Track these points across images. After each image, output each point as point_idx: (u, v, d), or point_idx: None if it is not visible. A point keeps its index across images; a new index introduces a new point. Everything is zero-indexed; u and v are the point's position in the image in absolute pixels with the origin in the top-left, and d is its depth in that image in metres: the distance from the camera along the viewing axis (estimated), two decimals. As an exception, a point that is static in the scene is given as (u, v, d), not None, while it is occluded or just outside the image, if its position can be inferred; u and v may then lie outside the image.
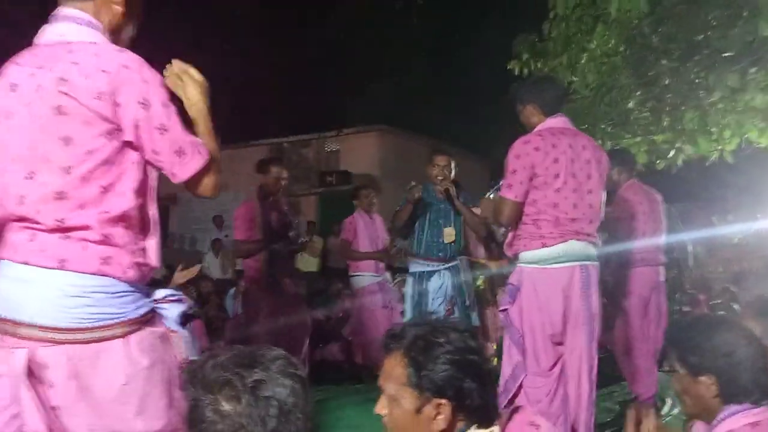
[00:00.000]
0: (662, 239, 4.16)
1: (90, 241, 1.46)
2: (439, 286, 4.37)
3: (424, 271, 4.44)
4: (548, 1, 5.51)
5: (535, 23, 5.91)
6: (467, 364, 1.39)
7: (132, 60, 1.48)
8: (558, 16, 5.49)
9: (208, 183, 1.58)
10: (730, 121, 5.05)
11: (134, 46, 1.64)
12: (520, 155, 2.86)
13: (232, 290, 7.36)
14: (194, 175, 1.55)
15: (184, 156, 1.52)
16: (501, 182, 3.17)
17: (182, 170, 1.53)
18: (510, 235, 3.03)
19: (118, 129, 1.47)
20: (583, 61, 5.56)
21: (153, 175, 1.59)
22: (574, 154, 2.86)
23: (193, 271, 4.41)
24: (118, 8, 1.58)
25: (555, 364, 2.83)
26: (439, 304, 4.32)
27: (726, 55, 4.64)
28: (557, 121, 2.95)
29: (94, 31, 1.53)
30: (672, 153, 5.64)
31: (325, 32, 15.82)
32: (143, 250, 1.57)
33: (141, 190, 1.54)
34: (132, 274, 1.52)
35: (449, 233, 4.40)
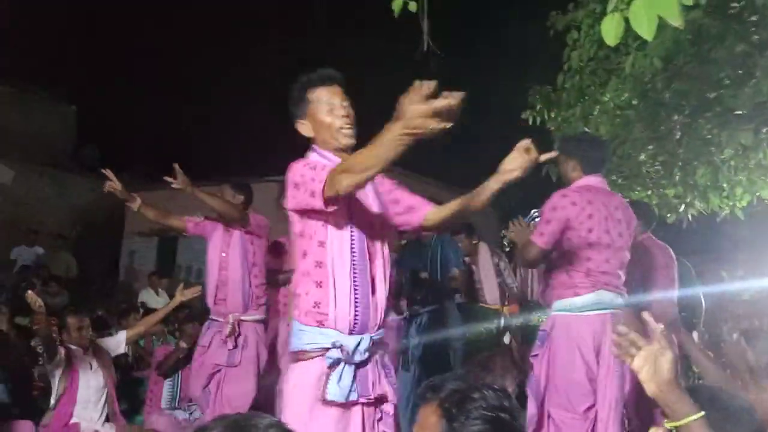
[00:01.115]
0: (674, 296, 4.13)
1: (294, 294, 2.14)
2: (416, 330, 4.48)
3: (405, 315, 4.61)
4: (562, 54, 5.62)
5: (550, 74, 6.02)
6: (499, 423, 1.40)
7: (298, 162, 2.08)
8: (572, 68, 5.59)
9: (338, 187, 1.92)
10: (742, 178, 5.08)
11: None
12: (557, 208, 2.97)
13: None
14: (324, 195, 1.95)
15: (304, 191, 2.00)
16: (535, 213, 3.36)
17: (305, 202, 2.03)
18: (542, 285, 3.17)
19: (302, 212, 2.07)
20: (596, 113, 5.63)
21: (335, 243, 2.09)
22: (607, 212, 3.00)
23: (195, 290, 4.50)
24: (307, 134, 2.23)
25: (590, 407, 2.89)
26: (414, 347, 4.39)
27: (738, 113, 4.69)
28: (595, 180, 3.09)
29: (312, 150, 2.20)
30: (683, 207, 5.65)
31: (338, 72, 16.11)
32: (316, 300, 2.07)
33: (314, 254, 2.09)
34: (305, 318, 2.08)
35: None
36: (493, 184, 2.05)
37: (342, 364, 2.05)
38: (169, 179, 3.74)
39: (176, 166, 3.69)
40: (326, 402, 2.02)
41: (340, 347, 2.04)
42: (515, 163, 2.00)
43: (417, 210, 2.26)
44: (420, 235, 4.62)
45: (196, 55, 16.37)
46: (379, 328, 2.13)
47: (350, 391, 2.04)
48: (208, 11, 16.18)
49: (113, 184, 3.87)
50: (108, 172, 3.87)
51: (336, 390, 2.02)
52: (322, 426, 2.03)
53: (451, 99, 1.58)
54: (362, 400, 2.07)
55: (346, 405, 2.04)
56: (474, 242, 5.31)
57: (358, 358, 2.07)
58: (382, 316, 2.14)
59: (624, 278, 3.07)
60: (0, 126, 13.24)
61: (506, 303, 5.20)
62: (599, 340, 2.89)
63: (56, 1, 15.23)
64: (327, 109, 2.17)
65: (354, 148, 2.12)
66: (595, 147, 3.20)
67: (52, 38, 14.71)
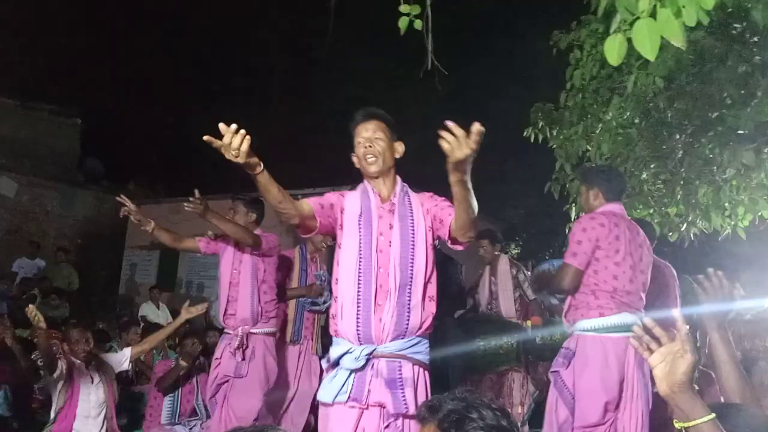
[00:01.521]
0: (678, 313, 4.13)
1: None
2: None
3: None
4: (565, 72, 5.66)
5: (552, 92, 6.05)
6: None
7: None
8: (574, 87, 5.62)
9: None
10: (744, 197, 5.07)
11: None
12: (587, 229, 3.15)
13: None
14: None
15: None
16: (549, 262, 3.46)
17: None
18: (567, 304, 3.25)
19: None
20: (598, 131, 5.65)
21: (343, 263, 2.40)
22: (631, 236, 3.17)
23: (201, 308, 4.52)
24: (356, 165, 2.61)
25: (604, 424, 2.99)
26: None
27: (740, 132, 4.71)
28: (616, 207, 3.29)
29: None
30: (684, 226, 5.64)
31: (343, 91, 16.20)
32: (332, 313, 2.40)
33: (335, 272, 2.41)
34: (330, 329, 2.44)
35: None
36: (450, 177, 2.05)
37: (335, 369, 2.33)
38: (190, 201, 3.66)
39: (196, 191, 3.67)
40: (322, 402, 2.35)
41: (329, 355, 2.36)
42: (445, 147, 1.93)
43: (445, 223, 2.39)
44: None
45: (203, 68, 16.48)
46: (393, 339, 2.30)
47: (338, 393, 2.27)
48: (218, 26, 16.32)
49: (129, 208, 3.86)
50: (124, 198, 3.88)
51: (325, 391, 2.33)
52: (319, 421, 2.39)
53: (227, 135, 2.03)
54: (351, 403, 2.26)
55: (338, 406, 2.29)
56: (496, 252, 5.26)
57: (348, 365, 2.29)
58: (396, 329, 2.30)
59: (644, 301, 3.18)
60: (6, 139, 13.32)
61: (521, 317, 5.13)
62: (623, 362, 2.99)
63: (62, 14, 15.38)
64: (358, 141, 2.50)
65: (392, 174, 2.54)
66: (616, 177, 3.43)
67: (58, 51, 14.83)
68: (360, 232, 2.39)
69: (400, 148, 2.53)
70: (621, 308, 3.05)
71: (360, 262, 2.35)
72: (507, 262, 5.21)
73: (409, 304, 2.32)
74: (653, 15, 2.11)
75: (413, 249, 2.37)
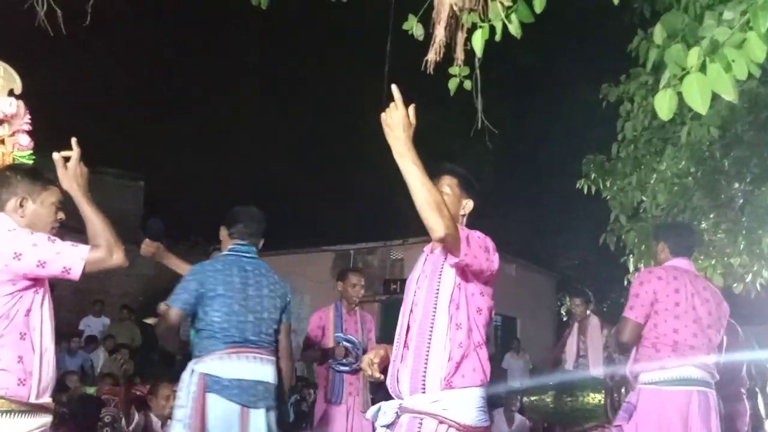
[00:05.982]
0: (742, 373, 4.04)
1: None
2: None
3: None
4: (616, 124, 5.65)
5: (604, 143, 6.04)
6: None
7: None
8: (626, 138, 5.60)
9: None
10: (811, 246, 4.91)
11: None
12: (644, 282, 3.17)
13: (293, 397, 7.30)
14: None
15: None
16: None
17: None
18: (631, 358, 3.24)
19: None
20: (652, 182, 5.59)
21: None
22: (694, 290, 3.14)
23: None
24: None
25: None
26: None
27: (803, 180, 4.60)
28: (682, 262, 3.27)
29: None
30: (749, 277, 5.46)
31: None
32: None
33: None
34: None
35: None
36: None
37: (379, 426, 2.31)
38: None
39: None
40: None
41: None
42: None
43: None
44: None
45: (257, 128, 17.09)
46: (412, 394, 2.18)
47: None
48: (273, 90, 16.99)
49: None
50: None
51: None
52: None
53: None
54: None
55: None
56: (588, 312, 5.38)
57: (379, 421, 2.26)
58: (412, 383, 2.18)
59: (713, 357, 3.12)
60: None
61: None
62: (685, 417, 2.93)
63: (126, 83, 16.35)
64: None
65: None
66: (683, 233, 3.45)
67: (123, 117, 15.71)
68: (407, 289, 2.33)
69: (468, 204, 2.38)
70: (683, 362, 3.02)
71: (402, 317, 2.26)
72: (598, 323, 5.32)
73: (426, 359, 2.15)
74: (703, 69, 2.11)
75: (436, 300, 2.19)
